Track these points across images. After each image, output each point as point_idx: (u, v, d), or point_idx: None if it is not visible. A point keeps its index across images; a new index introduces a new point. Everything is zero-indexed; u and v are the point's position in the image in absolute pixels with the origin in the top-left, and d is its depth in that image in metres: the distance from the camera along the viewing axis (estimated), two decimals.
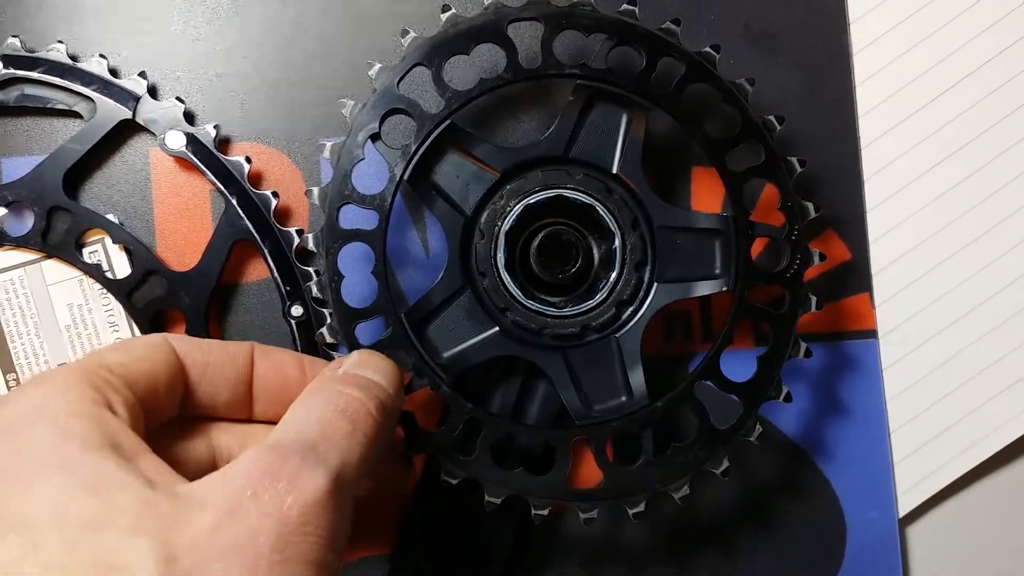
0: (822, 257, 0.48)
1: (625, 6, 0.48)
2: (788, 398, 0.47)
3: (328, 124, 0.53)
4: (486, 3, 0.47)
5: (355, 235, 0.46)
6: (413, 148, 0.46)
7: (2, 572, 0.29)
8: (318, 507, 0.32)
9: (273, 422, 0.40)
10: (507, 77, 0.46)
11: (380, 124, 0.46)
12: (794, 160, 0.48)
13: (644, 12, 0.48)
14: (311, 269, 0.50)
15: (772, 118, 0.48)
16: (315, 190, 0.46)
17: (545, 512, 0.46)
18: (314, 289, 0.46)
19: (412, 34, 0.47)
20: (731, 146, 0.47)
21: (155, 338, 0.39)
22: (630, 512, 0.46)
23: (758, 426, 0.47)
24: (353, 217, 0.46)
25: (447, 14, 0.47)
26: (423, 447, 0.46)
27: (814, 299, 0.48)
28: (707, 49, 0.48)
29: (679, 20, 0.48)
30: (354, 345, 0.45)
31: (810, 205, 0.48)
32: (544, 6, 0.47)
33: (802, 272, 0.47)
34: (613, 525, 0.53)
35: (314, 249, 0.46)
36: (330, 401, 0.37)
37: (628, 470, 0.46)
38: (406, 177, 0.46)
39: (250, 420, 0.42)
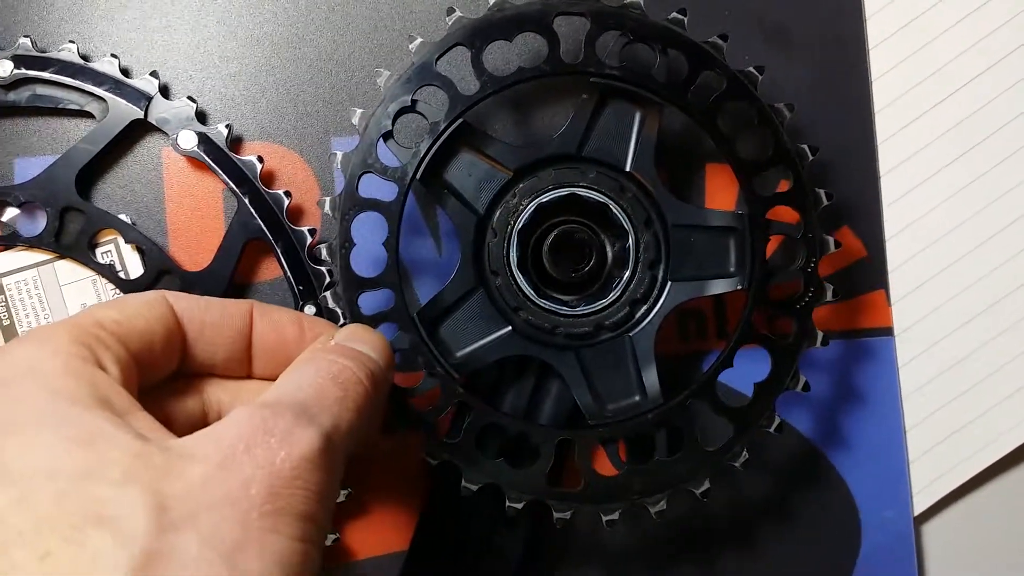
0: (837, 244, 0.48)
1: (675, 15, 0.47)
2: (780, 429, 0.47)
3: (340, 123, 0.53)
4: None
5: (373, 204, 0.46)
6: (443, 125, 0.45)
7: None
8: (309, 463, 0.32)
9: (271, 379, 0.41)
10: (546, 69, 0.46)
11: (413, 97, 0.45)
12: (821, 192, 0.47)
13: (655, 4, 0.47)
14: (324, 269, 0.50)
15: (806, 147, 0.47)
16: (327, 199, 0.46)
17: (519, 506, 0.45)
18: (323, 252, 0.46)
19: (457, 13, 0.46)
20: (761, 170, 0.47)
21: (152, 295, 0.39)
22: (604, 519, 0.46)
23: (744, 452, 0.46)
24: (372, 188, 0.45)
25: None
26: (412, 424, 0.46)
27: (820, 334, 0.47)
28: (751, 69, 0.47)
29: (726, 36, 0.47)
30: (356, 315, 0.45)
31: (831, 239, 0.47)
32: (594, 3, 0.47)
33: (813, 306, 0.47)
34: (630, 525, 0.53)
35: (330, 212, 0.46)
36: (322, 369, 0.37)
37: (609, 478, 0.46)
38: (431, 154, 0.45)
39: (248, 377, 0.42)
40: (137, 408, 0.34)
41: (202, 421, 0.40)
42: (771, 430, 0.47)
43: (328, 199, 0.46)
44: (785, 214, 0.47)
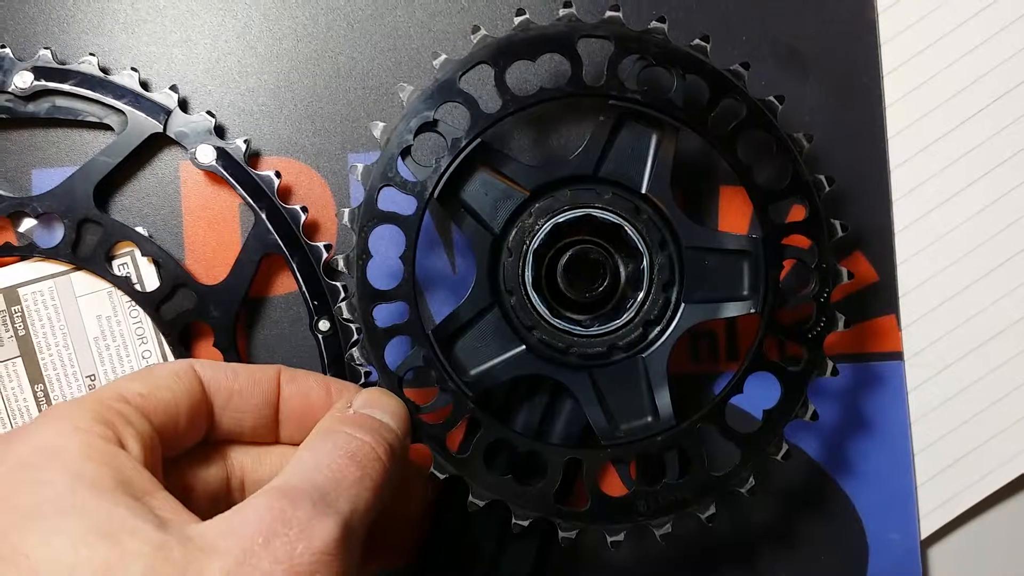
0: (850, 276, 0.48)
1: (698, 41, 0.47)
2: (787, 456, 0.47)
3: (357, 139, 0.53)
4: (560, 14, 0.47)
5: (391, 217, 0.46)
6: (464, 142, 0.46)
7: None
8: (328, 555, 0.32)
9: (297, 444, 0.40)
10: (568, 90, 0.46)
11: (435, 113, 0.46)
12: (836, 224, 0.48)
13: (674, 30, 0.47)
14: (339, 284, 0.50)
15: (823, 178, 0.48)
16: (345, 211, 0.46)
17: (525, 523, 0.46)
18: (340, 263, 0.46)
19: (483, 31, 0.47)
20: (778, 199, 0.47)
21: (180, 365, 0.39)
22: (608, 540, 0.46)
23: (751, 479, 0.46)
24: (391, 201, 0.46)
25: (520, 18, 0.47)
26: (450, 469, 0.46)
27: (831, 364, 0.47)
28: (771, 98, 0.47)
29: (748, 64, 0.47)
30: (370, 325, 0.45)
31: (844, 271, 0.48)
32: (618, 27, 0.47)
33: (824, 336, 0.47)
34: (636, 545, 0.53)
35: (348, 224, 0.46)
36: (340, 446, 0.37)
37: (615, 499, 0.46)
38: (452, 168, 0.46)
39: (275, 442, 0.42)
40: (158, 488, 0.34)
41: (224, 488, 0.41)
42: (779, 458, 0.47)
43: (347, 211, 0.46)
44: (799, 240, 0.48)
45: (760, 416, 0.47)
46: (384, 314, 0.46)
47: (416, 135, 0.46)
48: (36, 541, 0.30)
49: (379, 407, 0.40)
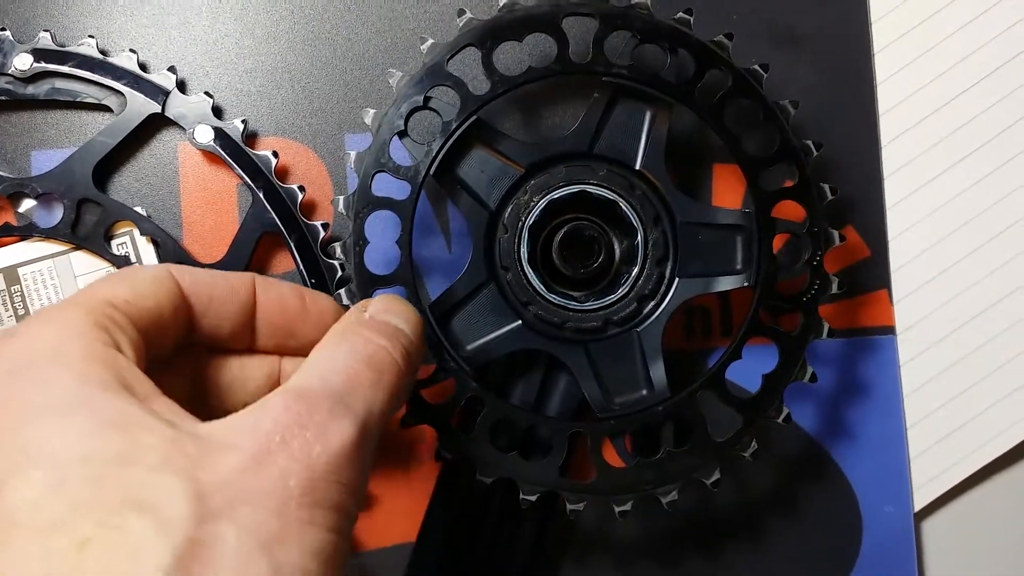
0: (842, 238, 0.48)
1: (681, 14, 0.48)
2: (787, 420, 0.48)
3: (353, 119, 0.54)
4: None
5: (386, 203, 0.46)
6: (454, 125, 0.46)
7: (26, 510, 0.28)
8: (344, 457, 0.32)
9: (274, 352, 0.41)
10: (556, 68, 0.47)
11: (425, 97, 0.46)
12: (826, 187, 0.48)
13: (664, 8, 0.48)
14: (335, 262, 0.51)
15: (810, 143, 0.48)
16: (340, 199, 0.47)
17: (533, 498, 0.46)
18: (337, 250, 0.47)
19: (468, 15, 0.47)
20: (766, 165, 0.48)
21: (160, 271, 0.38)
22: (616, 510, 0.46)
23: (754, 443, 0.47)
24: (385, 186, 0.46)
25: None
26: (425, 419, 0.46)
27: (826, 326, 0.48)
28: (755, 66, 0.48)
29: (731, 35, 0.48)
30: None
31: (836, 233, 0.48)
32: (602, 4, 0.48)
33: (819, 299, 0.48)
34: (635, 519, 0.54)
35: (343, 211, 0.47)
36: (357, 349, 0.37)
37: (620, 469, 0.47)
38: (444, 150, 0.46)
39: (250, 350, 0.42)
40: (158, 393, 0.33)
41: (203, 398, 0.40)
42: (779, 420, 0.48)
43: (342, 198, 0.47)
44: (791, 212, 0.48)
45: (754, 390, 0.47)
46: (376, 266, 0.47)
47: (407, 119, 0.46)
48: (48, 433, 0.30)
49: (395, 313, 0.40)
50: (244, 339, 0.41)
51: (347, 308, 0.46)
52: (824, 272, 0.48)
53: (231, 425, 0.32)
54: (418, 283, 0.52)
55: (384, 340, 0.38)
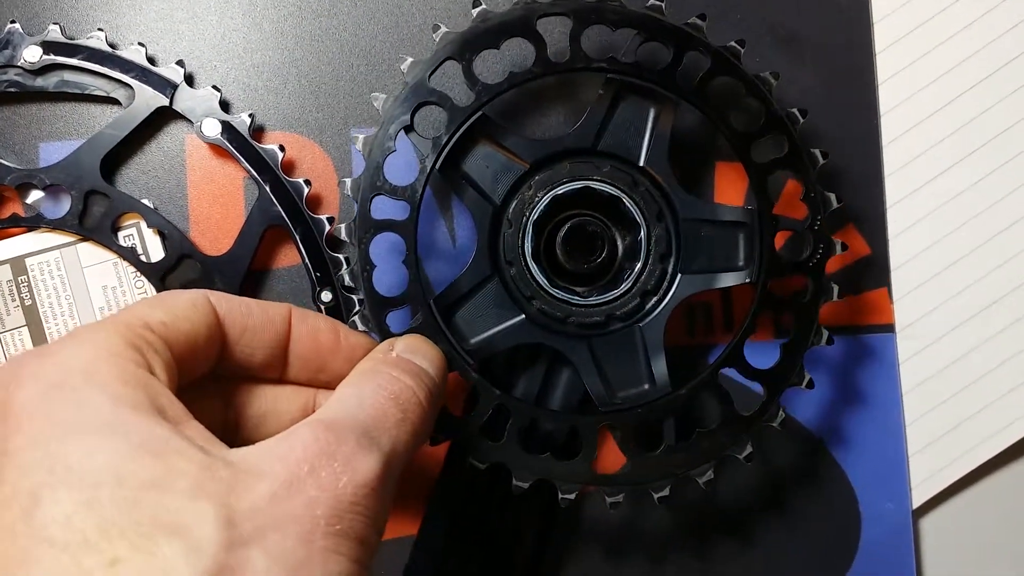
0: (844, 247, 0.49)
1: (652, 2, 0.49)
2: (811, 385, 0.48)
3: (359, 114, 0.54)
4: None
5: (387, 225, 0.47)
6: (444, 140, 0.47)
7: (58, 528, 0.29)
8: (369, 489, 0.33)
9: (304, 384, 0.41)
10: (536, 71, 0.47)
11: (412, 117, 0.47)
12: (817, 152, 0.49)
13: (670, 11, 0.49)
14: (341, 256, 0.51)
15: (795, 111, 0.49)
16: (347, 181, 0.47)
17: (572, 496, 0.47)
18: (346, 278, 0.47)
19: (443, 29, 0.48)
20: (755, 138, 0.48)
21: (197, 296, 0.38)
22: (655, 496, 0.47)
23: (781, 412, 0.48)
24: (384, 207, 0.47)
25: (477, 9, 0.48)
26: (452, 432, 0.46)
27: (836, 287, 0.48)
28: (732, 43, 0.49)
29: (704, 16, 0.49)
30: (385, 333, 0.46)
31: (832, 196, 0.49)
32: (573, 2, 0.48)
33: (825, 261, 0.48)
34: (634, 513, 0.54)
35: (346, 239, 0.47)
36: (383, 387, 0.38)
37: (652, 456, 0.47)
38: (437, 167, 0.47)
39: (280, 381, 0.42)
40: (189, 417, 0.33)
41: (234, 427, 0.41)
42: (803, 386, 0.48)
43: (349, 181, 0.47)
44: (792, 211, 0.49)
45: (756, 391, 0.48)
46: (397, 318, 0.47)
47: (396, 139, 0.47)
48: (80, 453, 0.30)
49: (421, 353, 0.41)
50: (275, 369, 0.41)
51: (349, 291, 0.47)
52: (827, 235, 0.48)
53: (260, 452, 0.33)
54: (427, 293, 0.52)
55: (410, 380, 0.39)
